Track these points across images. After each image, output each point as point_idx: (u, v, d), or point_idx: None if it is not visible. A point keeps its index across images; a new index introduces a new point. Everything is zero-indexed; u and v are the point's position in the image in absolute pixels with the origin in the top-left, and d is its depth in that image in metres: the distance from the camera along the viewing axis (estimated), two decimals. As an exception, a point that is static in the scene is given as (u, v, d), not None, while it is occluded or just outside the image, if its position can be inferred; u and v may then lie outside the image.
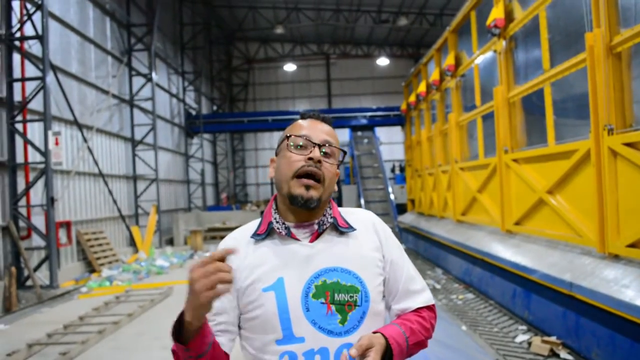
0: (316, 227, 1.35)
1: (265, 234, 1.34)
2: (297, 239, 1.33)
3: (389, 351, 1.20)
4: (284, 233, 1.32)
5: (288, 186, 1.30)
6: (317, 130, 1.36)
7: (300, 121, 1.42)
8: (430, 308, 1.42)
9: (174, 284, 8.18)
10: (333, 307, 1.25)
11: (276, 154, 1.41)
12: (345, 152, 1.40)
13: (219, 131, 22.53)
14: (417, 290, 1.40)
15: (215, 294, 1.05)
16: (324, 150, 1.33)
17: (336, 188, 1.41)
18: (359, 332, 1.24)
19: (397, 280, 1.38)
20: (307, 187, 1.28)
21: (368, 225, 1.41)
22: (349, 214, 1.44)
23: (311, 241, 1.33)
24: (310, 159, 1.30)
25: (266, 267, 1.29)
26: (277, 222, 1.35)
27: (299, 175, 1.29)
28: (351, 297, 1.26)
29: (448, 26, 9.92)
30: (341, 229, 1.35)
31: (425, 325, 1.35)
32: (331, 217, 1.36)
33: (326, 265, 1.29)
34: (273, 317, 1.24)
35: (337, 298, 1.25)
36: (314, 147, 1.32)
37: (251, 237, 1.36)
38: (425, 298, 1.40)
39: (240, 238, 1.39)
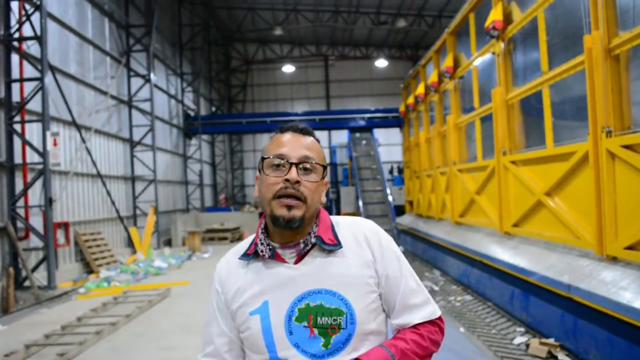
0: (302, 246, 1.31)
1: (252, 254, 1.33)
2: (283, 261, 1.30)
3: None
4: (267, 256, 1.30)
5: (270, 208, 1.26)
6: (295, 146, 1.29)
7: (278, 135, 1.35)
8: (434, 322, 1.34)
9: (172, 285, 8.17)
10: (316, 331, 1.22)
11: (258, 171, 1.34)
12: (325, 167, 1.33)
13: (217, 132, 22.53)
14: (417, 304, 1.33)
15: None
16: (304, 166, 1.28)
17: (324, 200, 1.35)
18: (343, 355, 1.22)
19: (393, 295, 1.32)
20: (289, 208, 1.24)
21: (360, 239, 1.34)
22: (343, 225, 1.38)
23: (296, 262, 1.30)
24: (287, 180, 1.24)
25: (253, 290, 1.29)
26: (261, 243, 1.32)
27: (279, 196, 1.25)
28: (334, 320, 1.23)
29: (447, 28, 9.94)
30: (326, 247, 1.29)
31: (423, 343, 1.27)
32: (314, 237, 1.30)
33: (310, 288, 1.26)
34: (259, 340, 1.25)
35: (320, 322, 1.23)
36: (290, 166, 1.26)
37: (240, 258, 1.35)
38: (426, 312, 1.33)
39: (231, 260, 1.40)
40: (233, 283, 1.33)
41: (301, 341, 1.22)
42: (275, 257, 1.30)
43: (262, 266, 1.31)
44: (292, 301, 1.25)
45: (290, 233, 1.29)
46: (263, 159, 1.30)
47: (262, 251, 1.31)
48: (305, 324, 1.23)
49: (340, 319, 1.23)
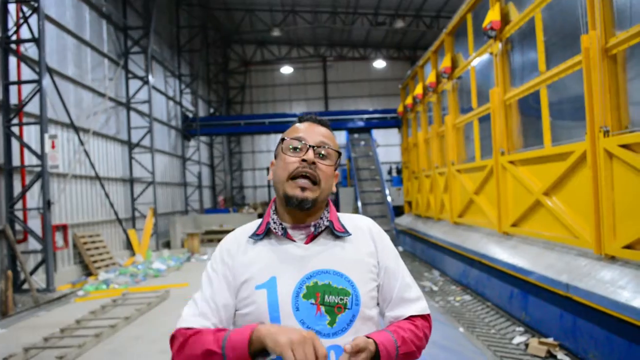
0: (312, 229, 1.36)
1: (263, 234, 1.37)
2: (293, 240, 1.35)
3: (377, 357, 1.21)
4: (280, 233, 1.35)
5: (283, 188, 1.33)
6: (313, 133, 1.38)
7: (297, 124, 1.43)
8: (425, 318, 1.42)
9: (171, 287, 8.16)
10: (322, 309, 1.26)
11: (275, 157, 1.44)
12: (340, 153, 1.42)
13: (215, 134, 22.52)
14: (412, 298, 1.41)
15: None
16: (319, 152, 1.35)
17: (334, 189, 1.43)
18: (347, 335, 1.26)
19: (391, 288, 1.39)
20: (303, 189, 1.30)
21: (365, 231, 1.43)
22: (347, 219, 1.45)
23: (306, 243, 1.35)
24: (304, 160, 1.32)
25: (261, 265, 1.32)
26: (274, 222, 1.37)
27: (294, 176, 1.32)
28: (341, 299, 1.27)
29: (444, 28, 9.95)
30: (337, 232, 1.37)
31: (419, 334, 1.35)
32: (327, 221, 1.38)
33: (319, 267, 1.30)
34: (263, 315, 1.26)
35: (327, 300, 1.27)
36: (308, 148, 1.34)
37: (250, 237, 1.39)
38: (419, 307, 1.40)
39: (239, 237, 1.42)
40: (242, 257, 1.36)
41: (307, 318, 1.25)
42: (286, 235, 1.36)
43: (272, 244, 1.36)
44: (300, 278, 1.29)
45: (302, 215, 1.36)
46: (282, 140, 1.39)
47: (274, 228, 1.36)
48: (313, 301, 1.27)
49: (346, 299, 1.28)
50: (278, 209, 1.41)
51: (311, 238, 1.36)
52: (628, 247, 4.20)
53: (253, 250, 1.36)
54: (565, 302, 4.77)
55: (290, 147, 1.36)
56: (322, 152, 1.36)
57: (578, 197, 5.11)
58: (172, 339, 1.31)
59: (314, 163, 1.32)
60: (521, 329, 5.69)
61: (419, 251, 11.89)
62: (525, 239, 6.41)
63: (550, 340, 4.96)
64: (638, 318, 3.61)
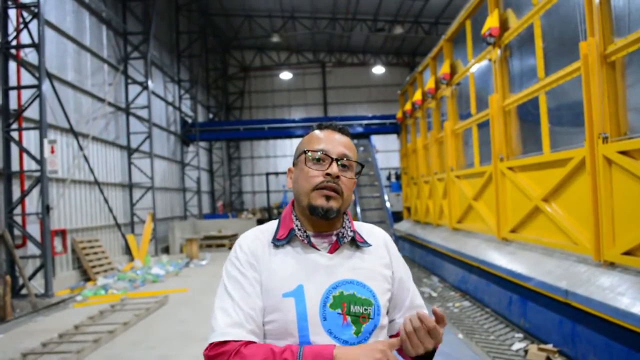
0: (334, 238, 1.39)
1: (286, 239, 1.36)
2: (317, 249, 1.36)
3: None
4: (306, 241, 1.35)
5: (308, 198, 1.34)
6: (335, 143, 1.38)
7: (317, 132, 1.43)
8: None
9: (169, 293, 8.15)
10: (349, 319, 1.29)
11: (293, 164, 1.44)
12: (362, 166, 1.44)
13: (215, 139, 22.53)
14: (421, 304, 1.49)
15: None
16: (341, 163, 1.36)
17: (353, 197, 1.43)
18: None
19: (403, 297, 1.45)
20: (328, 198, 1.32)
21: (380, 242, 1.47)
22: (364, 229, 1.49)
23: (330, 252, 1.36)
24: (328, 174, 1.32)
25: (287, 273, 1.32)
26: (299, 229, 1.37)
27: (319, 188, 1.33)
28: (365, 309, 1.31)
29: (443, 35, 9.99)
30: (359, 243, 1.40)
31: None
32: (351, 231, 1.40)
33: (344, 277, 1.33)
34: (291, 323, 1.26)
35: (353, 310, 1.29)
36: (331, 161, 1.34)
37: (272, 241, 1.38)
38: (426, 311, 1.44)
39: (262, 239, 1.40)
40: (267, 261, 1.34)
41: (334, 327, 1.27)
42: (311, 244, 1.37)
43: (298, 251, 1.36)
44: (327, 288, 1.30)
45: (325, 224, 1.37)
46: (305, 152, 1.38)
47: (300, 236, 1.36)
48: (339, 310, 1.28)
49: (370, 309, 1.32)
50: (298, 216, 1.41)
51: (335, 247, 1.37)
52: (627, 253, 4.21)
53: (277, 256, 1.35)
54: (564, 309, 4.77)
55: (313, 158, 1.36)
56: (344, 164, 1.36)
57: (577, 204, 5.12)
58: (212, 358, 1.22)
59: (337, 177, 1.33)
60: (520, 335, 5.68)
61: (418, 257, 11.88)
62: (524, 245, 6.42)
63: (549, 346, 4.95)
64: (637, 324, 3.61)
